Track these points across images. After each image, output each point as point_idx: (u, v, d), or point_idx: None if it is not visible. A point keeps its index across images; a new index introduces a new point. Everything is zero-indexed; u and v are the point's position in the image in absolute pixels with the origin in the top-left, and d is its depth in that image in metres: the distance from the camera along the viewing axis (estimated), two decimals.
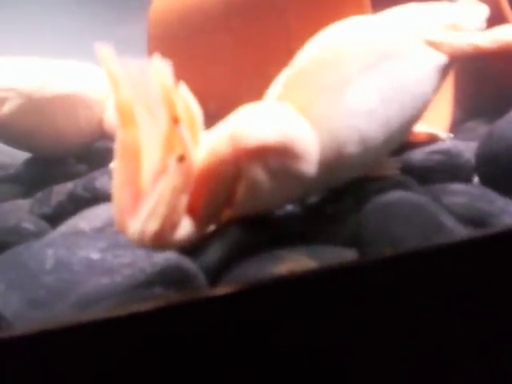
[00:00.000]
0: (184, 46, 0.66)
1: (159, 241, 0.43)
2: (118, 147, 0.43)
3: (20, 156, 0.94)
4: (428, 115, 0.62)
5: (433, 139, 0.66)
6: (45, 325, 0.35)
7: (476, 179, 0.63)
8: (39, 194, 0.68)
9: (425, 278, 0.40)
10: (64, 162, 0.88)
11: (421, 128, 0.66)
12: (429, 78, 0.54)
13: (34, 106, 0.83)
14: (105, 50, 0.41)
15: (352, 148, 0.49)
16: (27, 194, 0.78)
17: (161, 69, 0.41)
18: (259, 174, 0.45)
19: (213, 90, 0.63)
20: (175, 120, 0.42)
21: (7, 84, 0.82)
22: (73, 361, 0.35)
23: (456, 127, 0.83)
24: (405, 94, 0.52)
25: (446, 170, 0.63)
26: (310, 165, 0.47)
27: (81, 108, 0.86)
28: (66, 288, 0.44)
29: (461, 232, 0.47)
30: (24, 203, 0.71)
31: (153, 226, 0.42)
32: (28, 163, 0.91)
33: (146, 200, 0.42)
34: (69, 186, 0.66)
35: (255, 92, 0.50)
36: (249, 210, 0.49)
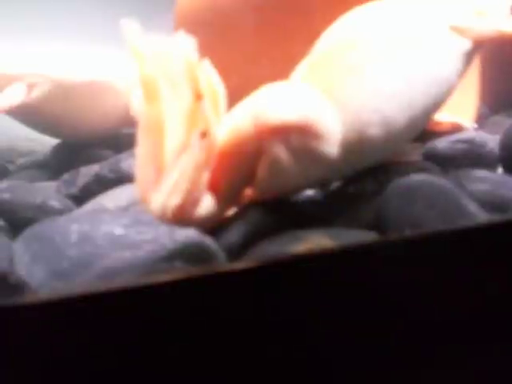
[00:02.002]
0: (211, 27, 0.67)
1: (181, 216, 0.44)
2: (141, 122, 0.43)
3: (49, 143, 0.95)
4: (454, 107, 0.62)
5: (457, 129, 0.66)
6: (68, 292, 0.36)
7: (500, 169, 0.63)
8: (66, 176, 0.69)
9: (445, 261, 0.40)
10: (91, 148, 0.89)
11: (445, 117, 0.66)
12: (453, 63, 0.54)
13: (62, 91, 0.84)
14: (130, 25, 0.41)
15: (375, 130, 0.49)
16: (55, 177, 0.79)
17: (185, 45, 0.42)
18: (281, 152, 0.46)
19: (236, 70, 0.63)
20: (198, 96, 0.42)
21: (37, 69, 0.84)
22: (93, 328, 0.35)
23: (482, 122, 0.83)
24: (428, 78, 0.52)
25: (470, 158, 0.63)
26: (332, 145, 0.47)
27: (108, 95, 0.87)
28: (89, 261, 0.45)
29: (482, 217, 0.47)
30: (51, 185, 0.72)
31: (175, 201, 0.43)
32: (56, 149, 0.92)
33: (168, 175, 0.43)
34: (95, 167, 0.67)
35: (278, 72, 0.51)
36: (270, 190, 0.49)
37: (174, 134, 0.43)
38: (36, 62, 0.84)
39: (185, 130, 0.43)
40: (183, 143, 0.43)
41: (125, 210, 0.56)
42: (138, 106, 0.44)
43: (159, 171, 0.43)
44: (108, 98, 0.88)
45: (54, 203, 0.59)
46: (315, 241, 0.46)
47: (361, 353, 0.39)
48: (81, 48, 0.89)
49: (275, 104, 0.46)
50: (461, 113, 0.74)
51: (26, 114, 0.86)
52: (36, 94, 0.83)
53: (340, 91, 0.48)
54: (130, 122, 0.88)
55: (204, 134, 0.42)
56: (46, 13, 1.09)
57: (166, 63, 0.42)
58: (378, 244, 0.43)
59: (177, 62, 0.42)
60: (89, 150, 0.88)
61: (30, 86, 0.83)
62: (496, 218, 0.49)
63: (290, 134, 0.45)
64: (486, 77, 0.83)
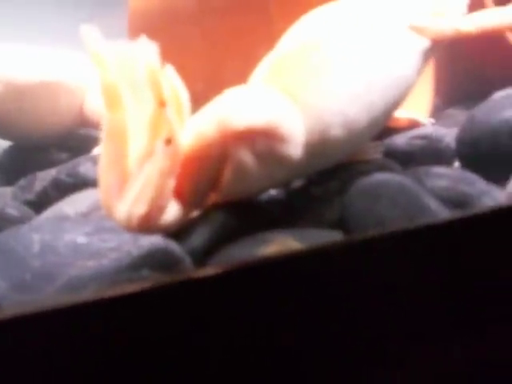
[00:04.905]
0: (167, 29, 0.66)
1: (146, 224, 0.43)
2: (104, 130, 0.43)
3: (1, 145, 0.93)
4: (409, 102, 0.62)
5: (414, 125, 0.67)
6: (33, 307, 0.35)
7: (457, 163, 0.64)
8: (22, 181, 0.68)
9: (408, 257, 0.41)
10: (45, 150, 0.88)
11: (402, 114, 0.67)
12: (412, 63, 0.55)
13: (13, 92, 0.82)
14: (90, 31, 0.41)
15: (336, 131, 0.49)
16: (8, 181, 0.78)
17: (147, 51, 0.41)
18: (246, 157, 0.46)
19: (197, 73, 0.63)
20: (162, 103, 0.42)
21: None
22: (59, 342, 0.35)
23: (436, 114, 0.84)
24: (388, 79, 0.52)
25: (428, 154, 0.64)
26: (295, 148, 0.47)
27: (62, 95, 0.86)
28: (53, 272, 0.44)
29: (443, 213, 0.47)
30: (6, 190, 0.70)
31: (140, 209, 0.42)
32: (8, 151, 0.90)
33: (132, 183, 0.42)
34: (52, 172, 0.66)
35: (239, 74, 0.50)
36: (235, 193, 0.49)
37: (138, 141, 0.42)
38: None
39: (148, 136, 0.42)
40: (147, 150, 0.42)
41: (86, 216, 0.55)
42: (96, 109, 0.43)
43: (123, 179, 0.42)
44: (62, 99, 0.86)
45: (12, 211, 0.58)
46: (281, 242, 0.46)
47: (333, 353, 0.39)
48: (33, 47, 0.88)
49: (239, 109, 0.46)
50: (416, 107, 0.75)
51: None
52: None
53: (302, 93, 0.49)
54: (85, 123, 0.87)
55: (168, 141, 0.42)
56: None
57: (129, 70, 0.41)
58: (344, 243, 0.43)
59: (139, 68, 0.41)
60: (43, 152, 0.86)
61: None
62: (456, 213, 0.50)
63: (254, 139, 0.45)
64: (439, 69, 0.84)
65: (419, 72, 0.56)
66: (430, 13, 0.56)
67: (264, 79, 0.50)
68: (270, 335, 0.38)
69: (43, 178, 0.66)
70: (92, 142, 0.75)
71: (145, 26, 0.69)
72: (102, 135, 0.43)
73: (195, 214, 0.50)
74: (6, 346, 0.34)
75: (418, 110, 0.76)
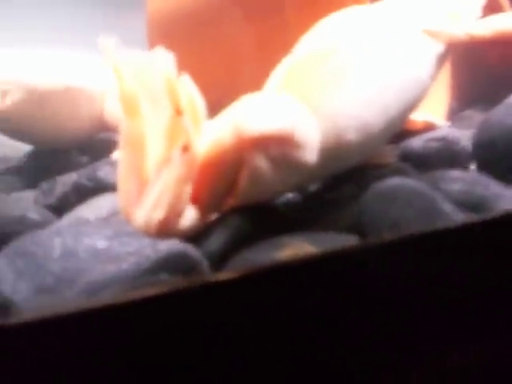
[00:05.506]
0: (184, 37, 0.67)
1: (164, 229, 0.44)
2: (122, 138, 0.44)
3: (22, 148, 0.94)
4: (425, 104, 0.63)
5: (430, 127, 0.68)
6: (54, 310, 0.36)
7: (473, 165, 0.64)
8: (44, 185, 0.69)
9: (423, 262, 0.41)
10: (66, 154, 0.89)
11: (418, 116, 0.67)
12: (426, 67, 0.55)
13: (35, 98, 0.83)
14: (108, 41, 0.42)
15: (352, 135, 0.50)
16: (30, 185, 0.79)
17: (164, 60, 0.43)
18: (262, 163, 0.46)
19: (213, 80, 0.64)
20: (178, 111, 0.43)
21: (9, 76, 0.83)
22: (80, 346, 0.35)
23: (452, 116, 0.84)
24: (403, 83, 0.53)
25: (444, 156, 0.64)
26: (311, 153, 0.48)
27: (82, 100, 0.87)
28: (74, 275, 0.45)
29: (458, 217, 0.48)
30: (28, 194, 0.72)
31: (158, 215, 0.43)
32: (30, 155, 0.91)
33: (150, 189, 0.43)
34: (73, 176, 0.67)
35: (255, 81, 0.51)
36: (251, 198, 0.50)
37: (156, 148, 0.44)
38: (8, 68, 0.83)
39: (166, 144, 0.43)
40: (165, 158, 0.43)
41: (106, 220, 0.56)
42: (116, 114, 0.45)
43: (141, 186, 0.44)
44: (82, 103, 0.87)
45: (34, 216, 0.59)
46: (297, 246, 0.46)
47: (346, 356, 0.39)
48: (54, 53, 0.89)
49: (255, 115, 0.46)
50: (433, 110, 0.75)
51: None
52: (8, 101, 0.82)
53: (318, 98, 0.49)
54: (105, 127, 0.88)
55: (185, 149, 0.43)
56: (15, 16, 1.07)
57: (146, 79, 0.43)
58: (360, 247, 0.44)
59: (156, 77, 0.43)
60: (64, 156, 0.87)
61: (3, 94, 0.82)
62: (471, 217, 0.50)
63: (270, 145, 0.46)
64: (456, 71, 0.84)
65: (434, 76, 0.56)
66: (444, 17, 0.57)
67: (279, 85, 0.51)
68: (286, 339, 0.38)
69: (64, 182, 0.67)
70: (112, 145, 0.76)
71: (163, 32, 0.70)
72: (121, 142, 0.44)
73: (213, 218, 0.51)
74: (26, 349, 0.35)
75: (435, 112, 0.76)
